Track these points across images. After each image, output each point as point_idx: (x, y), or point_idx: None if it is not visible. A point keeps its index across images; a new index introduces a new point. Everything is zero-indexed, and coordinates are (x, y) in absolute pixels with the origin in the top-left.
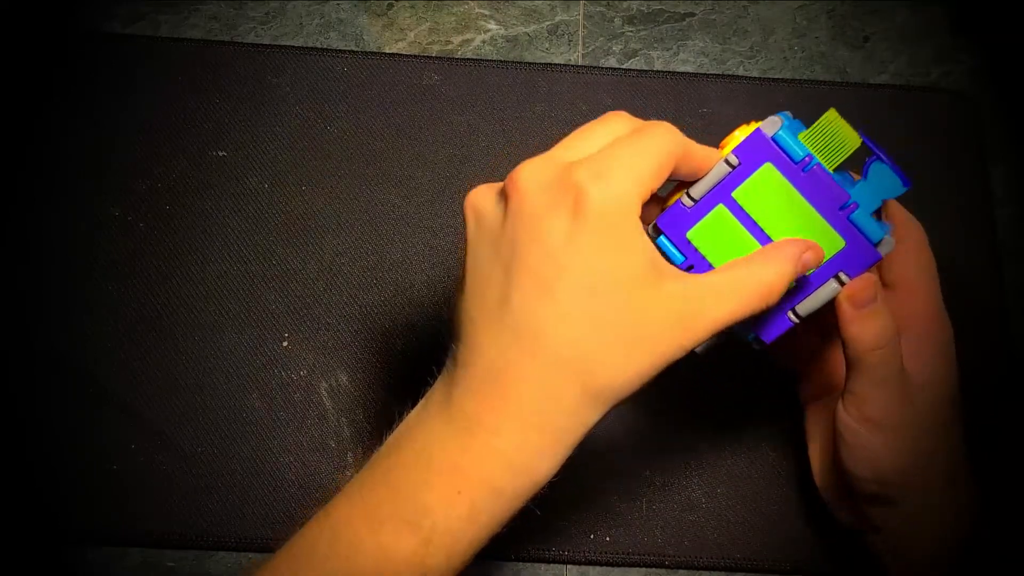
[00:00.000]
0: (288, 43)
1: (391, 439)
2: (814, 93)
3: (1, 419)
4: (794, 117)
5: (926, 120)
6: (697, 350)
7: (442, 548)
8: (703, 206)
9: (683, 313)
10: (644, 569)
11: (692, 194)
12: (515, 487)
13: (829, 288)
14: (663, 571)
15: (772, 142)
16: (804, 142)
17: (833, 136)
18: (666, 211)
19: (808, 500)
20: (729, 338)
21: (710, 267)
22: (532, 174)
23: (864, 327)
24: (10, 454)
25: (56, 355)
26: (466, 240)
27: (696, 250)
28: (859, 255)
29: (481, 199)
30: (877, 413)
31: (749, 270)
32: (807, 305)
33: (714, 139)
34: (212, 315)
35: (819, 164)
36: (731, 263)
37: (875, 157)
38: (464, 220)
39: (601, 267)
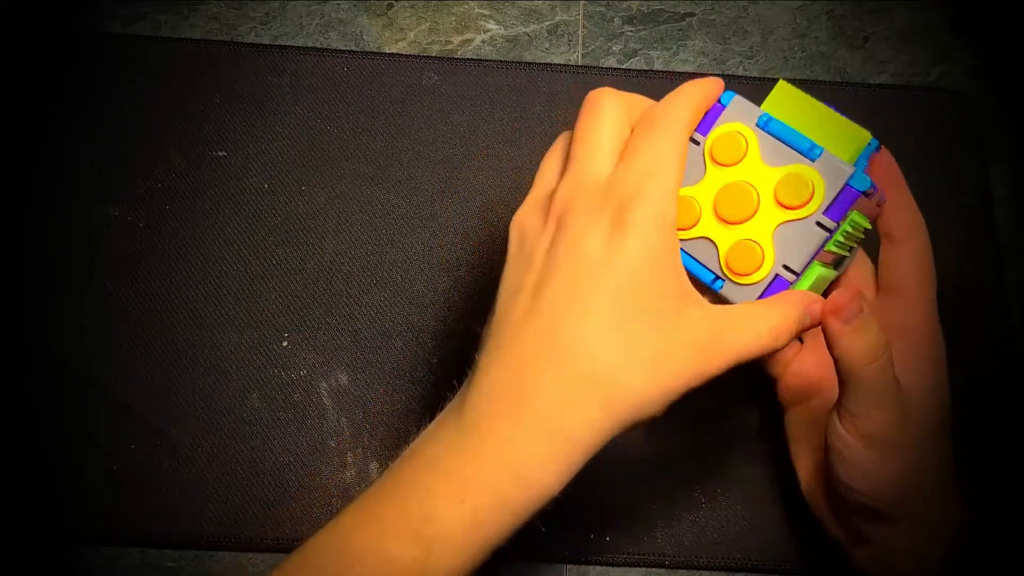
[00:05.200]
0: (288, 43)
1: (406, 452)
2: (814, 93)
3: (1, 419)
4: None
5: (926, 120)
6: None
7: (444, 557)
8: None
9: (705, 341)
10: (644, 569)
11: None
12: (521, 499)
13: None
14: (663, 571)
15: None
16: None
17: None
18: None
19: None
20: None
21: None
22: (573, 192)
23: (853, 341)
24: (10, 454)
25: (56, 355)
26: (506, 259)
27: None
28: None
29: (526, 218)
30: (873, 428)
31: (766, 309)
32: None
33: None
34: (212, 315)
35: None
36: (750, 304)
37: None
38: (508, 240)
39: (637, 287)
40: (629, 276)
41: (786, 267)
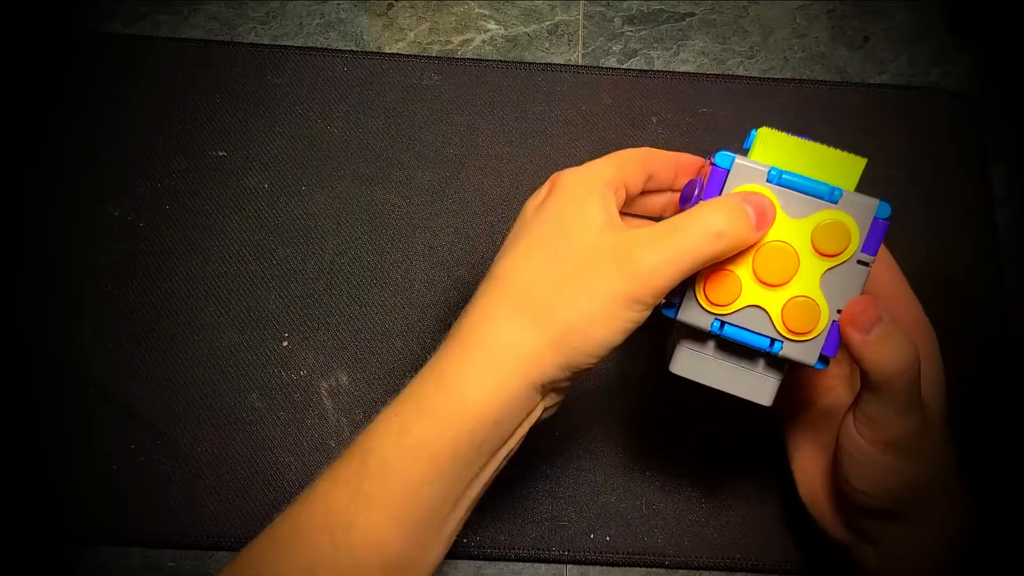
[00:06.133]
0: (288, 43)
1: None
2: (814, 93)
3: (1, 419)
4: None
5: (926, 120)
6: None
7: (377, 473)
8: None
9: (618, 250)
10: (644, 569)
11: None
12: (440, 406)
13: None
14: (663, 571)
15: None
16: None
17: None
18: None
19: None
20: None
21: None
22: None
23: (882, 352)
24: (10, 454)
25: (56, 355)
26: None
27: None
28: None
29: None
30: (893, 435)
31: (694, 215)
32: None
33: (714, 139)
34: (212, 315)
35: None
36: (673, 219)
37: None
38: None
39: (557, 222)
40: (550, 217)
41: (839, 311)
